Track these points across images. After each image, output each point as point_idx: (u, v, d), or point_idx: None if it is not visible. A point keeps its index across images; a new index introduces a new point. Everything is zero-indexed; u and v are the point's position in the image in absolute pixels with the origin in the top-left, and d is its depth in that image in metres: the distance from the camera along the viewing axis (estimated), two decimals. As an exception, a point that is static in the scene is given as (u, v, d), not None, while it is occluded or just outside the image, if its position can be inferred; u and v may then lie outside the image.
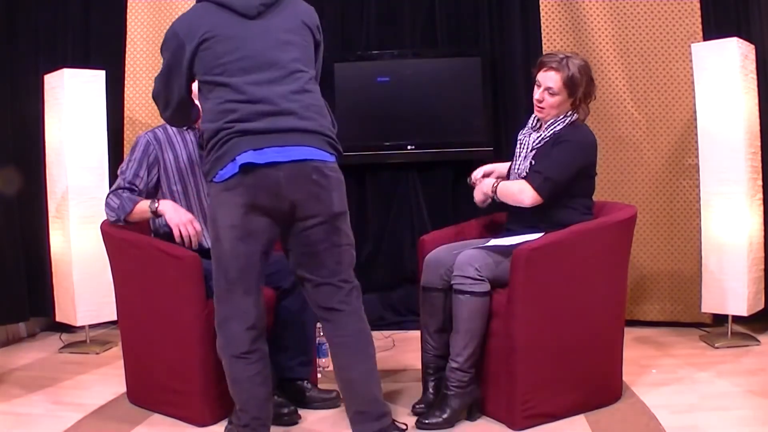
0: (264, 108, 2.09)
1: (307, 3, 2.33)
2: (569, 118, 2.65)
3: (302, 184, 2.08)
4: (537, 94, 2.66)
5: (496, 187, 2.67)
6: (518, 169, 2.71)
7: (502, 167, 2.87)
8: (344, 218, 2.19)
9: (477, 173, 2.85)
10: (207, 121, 2.15)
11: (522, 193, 2.57)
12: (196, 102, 2.37)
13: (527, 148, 2.70)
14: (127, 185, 2.71)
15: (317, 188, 2.10)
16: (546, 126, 2.68)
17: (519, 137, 2.78)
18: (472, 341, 2.49)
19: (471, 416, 2.55)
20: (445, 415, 2.47)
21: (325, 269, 2.17)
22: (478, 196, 2.77)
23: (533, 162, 2.63)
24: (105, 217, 2.67)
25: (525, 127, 2.79)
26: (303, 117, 2.13)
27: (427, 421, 2.47)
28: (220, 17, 2.15)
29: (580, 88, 2.62)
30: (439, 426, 2.47)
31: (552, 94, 2.62)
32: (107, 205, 2.71)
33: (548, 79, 2.62)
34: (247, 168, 2.05)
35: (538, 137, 2.68)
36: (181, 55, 2.15)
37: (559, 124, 2.65)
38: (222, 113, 2.11)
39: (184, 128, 2.76)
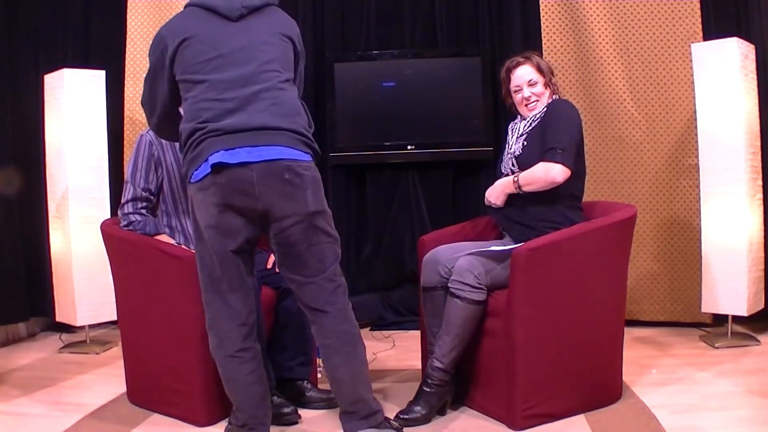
0: (236, 106, 2.10)
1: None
2: (550, 100, 2.78)
3: (274, 184, 2.08)
4: (525, 93, 2.77)
5: (518, 179, 2.63)
6: (511, 149, 2.76)
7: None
8: (323, 216, 2.17)
9: (492, 197, 2.76)
10: (184, 121, 2.16)
11: (549, 173, 2.56)
12: None
13: (518, 133, 2.77)
14: (142, 195, 2.73)
15: (290, 187, 2.09)
16: (538, 110, 2.77)
17: (510, 126, 2.86)
18: (460, 345, 2.52)
19: (443, 411, 2.59)
20: (424, 411, 2.51)
21: (308, 268, 2.17)
22: (499, 198, 2.71)
23: (526, 143, 2.68)
24: (105, 217, 2.67)
25: (516, 118, 2.87)
26: (275, 115, 2.12)
27: (406, 416, 2.49)
28: (203, 19, 2.18)
29: (551, 71, 2.82)
30: (417, 421, 2.49)
31: (534, 85, 2.77)
32: (126, 217, 2.74)
33: (525, 74, 2.78)
34: (218, 168, 2.05)
35: (527, 123, 2.75)
36: (164, 56, 2.17)
37: (545, 108, 2.75)
38: (196, 113, 2.12)
39: None
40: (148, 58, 2.27)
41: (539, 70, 2.78)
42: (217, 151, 2.06)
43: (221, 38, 2.15)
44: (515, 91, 2.81)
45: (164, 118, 2.31)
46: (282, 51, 2.22)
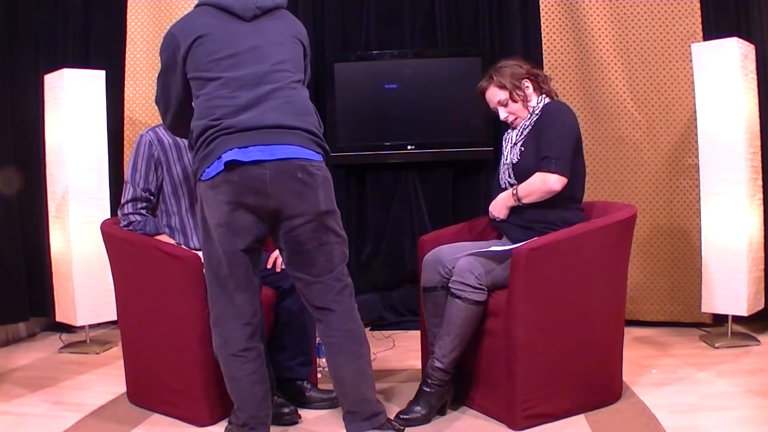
0: (250, 104, 2.11)
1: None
2: (542, 103, 2.74)
3: (287, 183, 2.09)
4: (501, 115, 2.78)
5: (516, 192, 2.65)
6: (506, 160, 2.75)
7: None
8: (333, 216, 2.18)
9: (495, 211, 2.76)
10: (196, 118, 2.17)
11: (546, 183, 2.57)
12: None
13: (511, 143, 2.78)
14: (142, 195, 2.73)
15: (302, 187, 2.10)
16: (527, 119, 2.75)
17: (504, 137, 2.86)
18: (461, 345, 2.52)
19: (443, 411, 2.59)
20: (424, 411, 2.51)
21: (316, 267, 2.17)
22: (501, 212, 2.72)
23: (523, 149, 2.68)
24: (105, 217, 2.66)
25: (509, 127, 2.86)
26: (288, 113, 2.14)
27: (406, 416, 2.49)
28: (216, 18, 2.19)
29: (518, 77, 2.74)
30: (418, 421, 2.49)
31: (505, 104, 2.75)
32: (125, 217, 2.74)
33: (492, 97, 2.78)
34: (232, 166, 2.06)
35: (519, 132, 2.75)
36: (177, 54, 2.18)
37: (536, 111, 2.73)
38: (209, 110, 2.12)
39: None
40: (159, 57, 2.27)
41: (504, 86, 2.73)
42: (231, 149, 2.06)
43: (235, 37, 2.16)
44: (494, 111, 2.82)
45: (178, 115, 2.31)
46: (293, 52, 2.24)
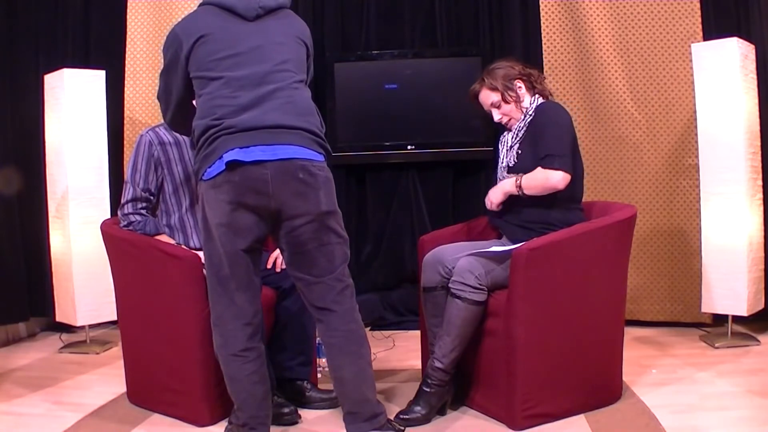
0: (251, 104, 2.11)
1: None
2: (535, 104, 2.73)
3: (288, 183, 2.09)
4: (495, 117, 2.77)
5: (520, 182, 2.63)
6: (502, 163, 2.76)
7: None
8: (334, 216, 2.18)
9: (492, 196, 2.76)
10: (197, 118, 2.17)
11: (549, 180, 2.56)
12: None
13: (507, 146, 2.78)
14: (142, 195, 2.73)
15: (304, 187, 2.11)
16: (521, 120, 2.75)
17: (500, 140, 2.86)
18: (461, 345, 2.52)
19: (443, 411, 2.59)
20: (424, 411, 2.51)
21: (317, 268, 2.18)
22: (498, 197, 2.70)
23: (520, 151, 2.68)
24: (105, 217, 2.67)
25: (504, 130, 2.85)
26: (289, 113, 2.14)
27: (406, 417, 2.50)
28: (219, 18, 2.19)
29: (510, 78, 2.73)
30: (417, 421, 2.50)
31: (498, 106, 2.75)
32: (125, 217, 2.75)
33: (485, 98, 2.78)
34: (233, 165, 2.06)
35: (514, 134, 2.75)
36: (179, 53, 2.18)
37: (530, 111, 2.72)
38: (211, 109, 2.13)
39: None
40: (162, 55, 2.28)
41: (496, 88, 2.73)
42: (232, 149, 2.06)
43: (237, 37, 2.16)
44: (488, 113, 2.82)
45: (179, 113, 2.32)
46: (296, 52, 2.24)
